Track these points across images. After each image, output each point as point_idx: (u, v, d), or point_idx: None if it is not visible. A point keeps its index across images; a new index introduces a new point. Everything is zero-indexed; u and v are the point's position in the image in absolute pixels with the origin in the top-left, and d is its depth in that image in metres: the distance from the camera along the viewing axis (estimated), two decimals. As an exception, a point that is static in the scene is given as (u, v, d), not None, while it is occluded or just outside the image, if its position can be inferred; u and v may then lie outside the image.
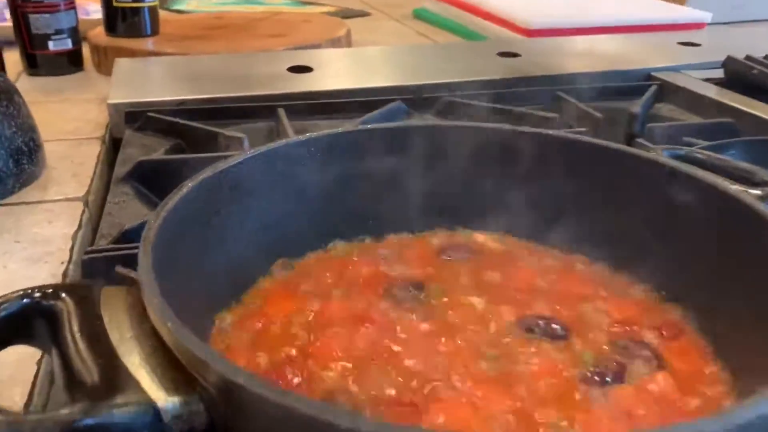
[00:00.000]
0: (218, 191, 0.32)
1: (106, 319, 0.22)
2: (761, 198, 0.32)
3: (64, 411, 0.19)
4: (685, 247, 0.32)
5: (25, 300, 0.23)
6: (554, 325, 0.31)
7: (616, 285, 0.34)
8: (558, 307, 0.32)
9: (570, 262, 0.36)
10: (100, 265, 0.39)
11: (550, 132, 0.37)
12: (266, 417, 0.18)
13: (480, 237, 0.38)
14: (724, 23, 1.17)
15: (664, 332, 0.31)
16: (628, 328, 0.31)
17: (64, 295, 0.23)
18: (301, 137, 0.37)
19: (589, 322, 0.31)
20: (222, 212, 0.33)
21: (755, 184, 0.35)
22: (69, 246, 0.46)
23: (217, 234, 0.32)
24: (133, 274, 0.35)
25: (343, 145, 0.37)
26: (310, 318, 0.32)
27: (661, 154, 0.37)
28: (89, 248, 0.42)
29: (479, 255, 0.36)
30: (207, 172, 0.31)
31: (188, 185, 0.30)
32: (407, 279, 0.34)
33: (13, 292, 0.23)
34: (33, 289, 0.23)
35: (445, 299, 0.33)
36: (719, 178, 0.31)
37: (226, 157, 0.55)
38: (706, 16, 1.03)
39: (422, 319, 0.31)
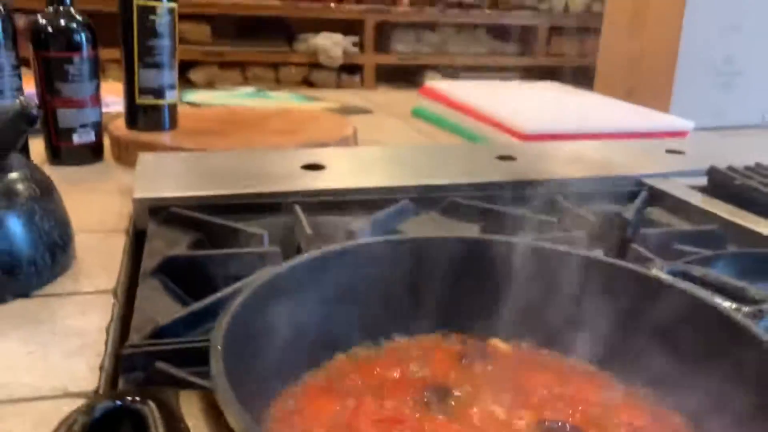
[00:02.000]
0: (267, 296, 0.36)
1: (190, 423, 0.25)
2: (750, 315, 0.36)
3: None
4: (686, 359, 0.35)
5: (117, 402, 0.26)
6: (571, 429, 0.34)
7: (629, 392, 0.38)
8: (573, 412, 0.35)
9: (582, 368, 0.39)
10: (139, 360, 0.42)
11: (562, 248, 0.41)
12: None
13: (495, 342, 0.41)
14: (707, 129, 1.25)
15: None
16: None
17: (148, 399, 0.26)
18: (337, 246, 0.41)
19: (605, 428, 0.34)
20: (268, 316, 0.36)
21: (747, 301, 0.39)
22: (103, 339, 0.49)
23: (264, 336, 0.35)
24: (182, 373, 0.38)
25: (374, 254, 0.41)
26: (345, 419, 0.34)
27: (663, 272, 0.41)
28: (128, 344, 0.44)
29: (496, 360, 0.40)
30: (260, 281, 0.35)
31: (245, 293, 0.33)
32: (431, 384, 0.37)
33: (103, 395, 0.26)
34: (121, 392, 0.26)
35: (468, 404, 0.36)
36: (716, 296, 0.35)
37: (247, 254, 0.59)
38: (688, 125, 1.11)
39: (448, 423, 0.34)
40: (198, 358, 0.42)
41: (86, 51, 0.85)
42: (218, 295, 0.48)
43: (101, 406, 0.25)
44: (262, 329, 0.36)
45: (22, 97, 0.63)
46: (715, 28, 1.31)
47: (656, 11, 1.35)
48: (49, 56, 0.84)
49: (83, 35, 0.84)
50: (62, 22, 0.84)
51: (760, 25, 1.34)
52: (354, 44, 2.97)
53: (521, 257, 0.39)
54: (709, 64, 1.27)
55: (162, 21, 0.89)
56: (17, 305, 0.52)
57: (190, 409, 0.26)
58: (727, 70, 1.28)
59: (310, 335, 0.38)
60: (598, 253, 0.46)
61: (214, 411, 0.26)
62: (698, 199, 0.77)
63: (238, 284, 0.49)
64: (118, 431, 0.26)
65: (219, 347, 0.28)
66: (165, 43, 0.90)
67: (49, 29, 0.83)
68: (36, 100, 0.83)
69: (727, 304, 0.35)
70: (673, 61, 1.26)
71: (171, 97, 0.93)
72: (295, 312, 0.37)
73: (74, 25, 0.84)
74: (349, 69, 2.99)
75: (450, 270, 0.43)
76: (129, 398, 0.26)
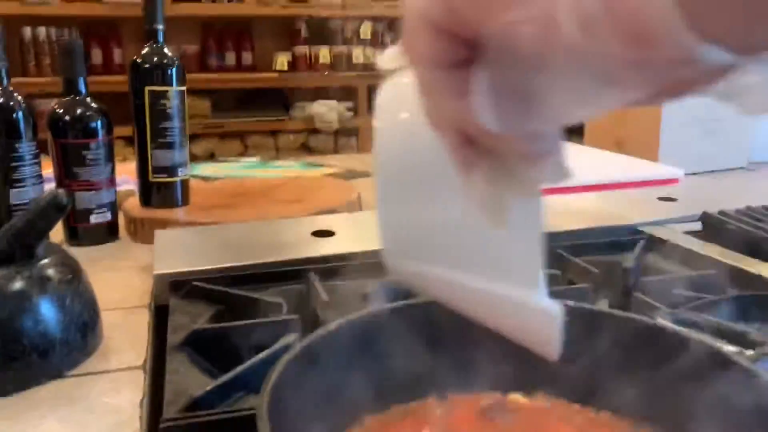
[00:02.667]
0: (299, 365, 0.38)
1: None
2: (753, 358, 0.38)
3: None
4: (694, 403, 0.38)
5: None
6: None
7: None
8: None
9: (599, 419, 0.41)
10: (176, 432, 0.45)
11: (571, 304, 0.44)
12: None
13: (515, 397, 0.43)
14: (696, 174, 1.30)
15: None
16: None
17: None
18: (365, 313, 0.44)
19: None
20: (301, 384, 0.38)
21: (748, 345, 0.42)
22: (138, 414, 0.51)
23: (301, 402, 0.38)
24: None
25: (401, 319, 0.44)
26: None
27: (666, 319, 0.44)
28: (164, 417, 0.47)
29: (517, 413, 0.42)
30: (297, 348, 0.38)
31: (283, 361, 0.36)
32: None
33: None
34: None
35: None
36: (717, 341, 0.38)
37: (268, 323, 0.62)
38: (679, 173, 1.15)
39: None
40: (234, 428, 0.44)
41: (102, 137, 0.89)
42: (247, 364, 0.51)
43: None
44: (299, 396, 0.38)
45: (55, 189, 0.66)
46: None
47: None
48: (68, 143, 0.88)
49: (99, 122, 0.89)
50: (78, 110, 0.88)
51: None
52: (348, 109, 3.06)
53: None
54: (692, 113, 1.33)
55: (172, 104, 0.94)
56: (53, 386, 0.55)
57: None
58: (708, 117, 1.33)
59: (342, 399, 0.40)
60: (604, 306, 0.49)
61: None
62: (695, 244, 0.81)
63: (263, 354, 0.52)
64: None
65: (265, 418, 0.31)
66: (176, 124, 0.95)
67: (67, 118, 0.88)
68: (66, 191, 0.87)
69: (730, 349, 0.38)
70: (657, 111, 1.31)
71: (183, 174, 0.97)
72: (326, 378, 0.40)
73: (90, 113, 0.89)
74: (346, 132, 3.08)
75: (465, 328, 0.46)
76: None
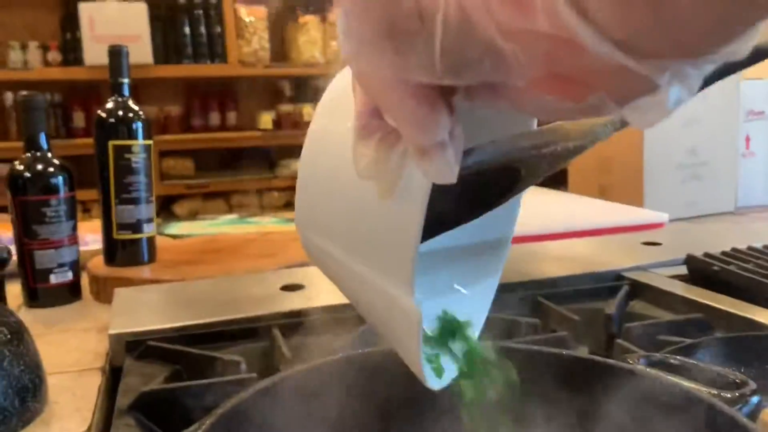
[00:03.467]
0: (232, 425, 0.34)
1: None
2: (733, 401, 0.34)
3: None
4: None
5: None
6: None
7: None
8: None
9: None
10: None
11: (537, 348, 0.41)
12: None
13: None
14: (681, 219, 1.27)
15: None
16: None
17: None
18: (304, 366, 0.40)
19: None
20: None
21: (728, 388, 0.38)
22: (72, 486, 0.46)
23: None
24: None
25: (352, 369, 0.40)
26: None
27: (638, 363, 0.41)
28: (96, 489, 0.42)
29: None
30: (220, 411, 0.34)
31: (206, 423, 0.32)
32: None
33: None
34: None
35: None
36: (693, 384, 0.34)
37: (224, 383, 0.58)
38: (664, 217, 1.12)
39: None
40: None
41: (63, 193, 0.86)
42: (192, 428, 0.47)
43: None
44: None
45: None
46: (676, 123, 1.36)
47: (617, 112, 1.41)
48: (27, 200, 0.85)
49: (60, 178, 0.86)
50: (39, 166, 0.86)
51: (719, 115, 1.39)
52: (334, 166, 3.05)
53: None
54: (675, 157, 1.32)
55: (137, 158, 0.91)
56: (-17, 458, 0.50)
57: None
58: (692, 162, 1.32)
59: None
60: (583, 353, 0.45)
61: None
62: (679, 288, 0.77)
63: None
64: None
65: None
66: (141, 179, 0.92)
67: (27, 174, 0.85)
68: (7, 245, 0.84)
69: (706, 392, 0.34)
70: (639, 157, 1.30)
71: (149, 230, 0.94)
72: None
73: (51, 169, 0.86)
74: (331, 190, 3.06)
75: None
76: None
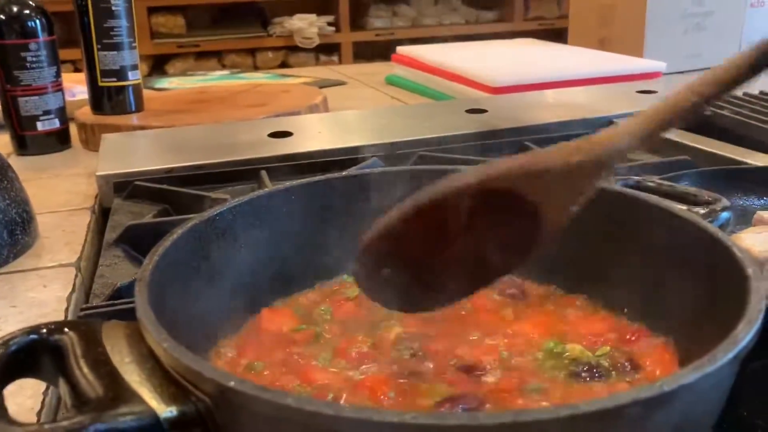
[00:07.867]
0: (206, 238, 0.35)
1: (108, 348, 0.24)
2: (704, 216, 0.35)
3: (76, 419, 0.21)
4: (639, 263, 0.35)
5: (32, 336, 0.25)
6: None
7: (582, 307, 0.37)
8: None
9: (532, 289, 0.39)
10: (96, 321, 0.42)
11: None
12: (255, 416, 0.20)
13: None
14: (680, 72, 1.24)
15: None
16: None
17: (68, 330, 0.25)
18: (281, 186, 0.40)
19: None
20: (211, 257, 0.35)
21: (700, 204, 0.39)
22: (63, 307, 0.48)
23: (208, 277, 0.34)
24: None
25: (319, 191, 0.40)
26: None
27: (613, 183, 0.41)
28: (84, 305, 0.44)
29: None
30: (195, 220, 0.34)
31: (178, 231, 0.33)
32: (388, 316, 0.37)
33: (20, 330, 0.25)
34: (39, 326, 0.25)
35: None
36: (666, 201, 0.35)
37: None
38: (661, 66, 1.09)
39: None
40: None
41: (42, 37, 0.83)
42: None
43: (16, 341, 0.25)
44: (205, 270, 0.35)
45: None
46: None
47: (624, -42, 1.33)
48: (5, 44, 0.82)
49: (38, 21, 0.83)
50: (15, 8, 0.82)
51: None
52: (329, 23, 2.94)
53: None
54: (679, 7, 1.26)
55: (117, 1, 0.88)
56: (-23, 284, 0.52)
57: (114, 336, 0.25)
58: (697, 12, 1.27)
59: (260, 276, 0.37)
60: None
61: (136, 336, 0.25)
62: (670, 133, 0.76)
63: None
64: (40, 361, 0.25)
65: (146, 277, 0.28)
66: (122, 23, 0.89)
67: (2, 17, 0.82)
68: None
69: (680, 207, 0.34)
70: (642, 7, 1.25)
71: (134, 77, 0.92)
72: (235, 254, 0.37)
73: (28, 12, 0.83)
74: (327, 49, 2.97)
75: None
76: (45, 330, 0.25)
